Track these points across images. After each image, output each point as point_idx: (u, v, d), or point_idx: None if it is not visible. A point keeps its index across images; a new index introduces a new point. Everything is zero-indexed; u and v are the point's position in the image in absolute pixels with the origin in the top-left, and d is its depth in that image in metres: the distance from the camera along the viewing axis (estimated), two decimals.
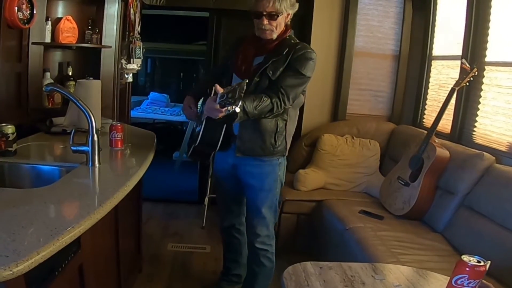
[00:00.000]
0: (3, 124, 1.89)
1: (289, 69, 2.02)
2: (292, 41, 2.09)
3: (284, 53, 2.03)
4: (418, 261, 2.07)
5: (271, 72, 2.01)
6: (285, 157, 2.24)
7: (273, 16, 1.98)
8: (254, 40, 2.10)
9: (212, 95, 1.94)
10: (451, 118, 2.96)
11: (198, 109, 2.24)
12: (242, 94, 1.68)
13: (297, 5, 2.07)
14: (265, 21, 1.99)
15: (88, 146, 1.80)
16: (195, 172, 4.38)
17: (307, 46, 2.09)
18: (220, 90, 1.81)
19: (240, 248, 2.51)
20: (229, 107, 1.71)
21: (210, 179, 3.67)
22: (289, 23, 2.10)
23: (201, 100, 2.28)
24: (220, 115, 1.82)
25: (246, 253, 2.49)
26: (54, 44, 2.70)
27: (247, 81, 1.73)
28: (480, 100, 2.76)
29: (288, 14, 2.04)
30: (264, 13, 1.97)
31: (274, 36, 2.04)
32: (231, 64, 2.17)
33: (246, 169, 2.19)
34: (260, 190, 2.20)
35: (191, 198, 4.19)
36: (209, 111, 1.86)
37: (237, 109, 1.72)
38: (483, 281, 1.24)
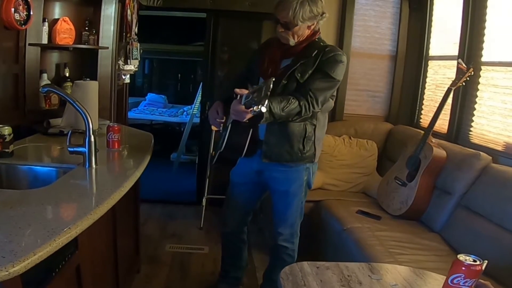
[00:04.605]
0: (0, 126, 1.89)
1: (318, 72, 1.96)
2: (322, 43, 2.04)
3: (313, 55, 1.96)
4: (415, 261, 2.08)
5: (299, 75, 1.95)
6: (315, 163, 2.19)
7: (287, 26, 1.93)
8: (281, 43, 2.03)
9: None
10: (448, 118, 2.97)
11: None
12: (268, 93, 1.60)
13: (324, 15, 1.97)
14: (281, 29, 1.95)
15: (85, 147, 1.80)
16: (193, 173, 4.38)
17: (337, 48, 2.03)
18: (243, 92, 1.78)
19: (240, 252, 2.47)
20: (254, 107, 1.63)
21: (208, 180, 3.67)
22: (317, 28, 2.02)
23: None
24: (247, 116, 1.78)
25: (246, 257, 2.49)
26: (51, 45, 2.69)
27: (273, 79, 1.65)
28: (477, 100, 2.77)
29: (308, 26, 1.95)
30: (281, 22, 1.94)
31: (291, 42, 1.98)
32: (257, 68, 2.10)
33: (271, 175, 2.14)
34: (285, 195, 2.16)
35: (189, 199, 4.18)
36: (235, 113, 1.82)
37: (263, 109, 1.63)
38: (480, 280, 1.25)
